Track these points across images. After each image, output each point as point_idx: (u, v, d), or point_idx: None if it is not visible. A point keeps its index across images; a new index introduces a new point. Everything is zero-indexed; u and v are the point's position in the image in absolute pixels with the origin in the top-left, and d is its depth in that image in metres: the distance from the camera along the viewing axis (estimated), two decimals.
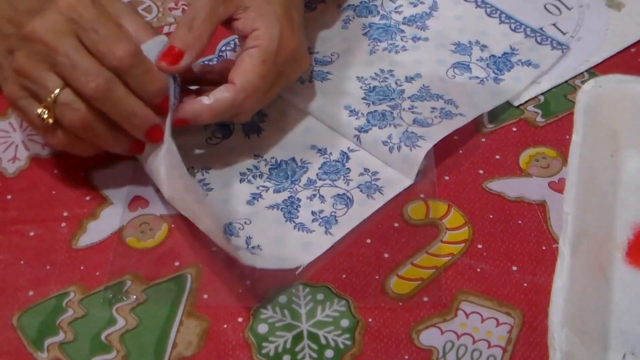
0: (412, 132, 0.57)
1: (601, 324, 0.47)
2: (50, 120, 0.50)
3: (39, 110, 0.50)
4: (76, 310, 0.50)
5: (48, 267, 0.52)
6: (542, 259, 0.52)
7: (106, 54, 0.49)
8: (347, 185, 0.56)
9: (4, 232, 0.54)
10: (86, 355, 0.48)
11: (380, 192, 0.55)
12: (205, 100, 0.53)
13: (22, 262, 0.52)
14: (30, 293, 0.51)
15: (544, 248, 0.52)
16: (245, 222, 0.53)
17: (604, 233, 0.51)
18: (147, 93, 0.51)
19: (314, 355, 0.48)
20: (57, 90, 0.49)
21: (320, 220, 0.54)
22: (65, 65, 0.49)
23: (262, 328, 0.49)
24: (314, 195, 0.55)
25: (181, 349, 0.48)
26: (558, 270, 0.47)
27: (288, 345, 0.48)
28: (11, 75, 0.51)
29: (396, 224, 0.54)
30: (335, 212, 0.54)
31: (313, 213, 0.54)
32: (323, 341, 0.48)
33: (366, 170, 0.56)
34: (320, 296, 0.50)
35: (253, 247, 0.52)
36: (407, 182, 0.55)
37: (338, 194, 0.55)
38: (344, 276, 0.51)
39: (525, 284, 0.51)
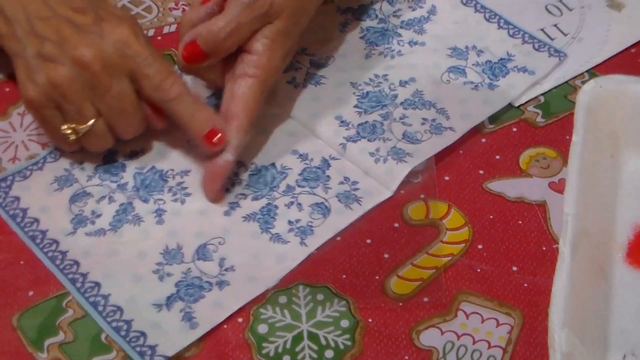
0: (400, 149, 0.56)
1: (601, 324, 0.47)
2: (73, 137, 0.52)
3: (64, 127, 0.52)
4: (76, 310, 0.50)
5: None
6: (542, 259, 0.52)
7: (159, 89, 0.51)
8: (326, 193, 0.55)
9: (4, 232, 0.54)
10: (86, 356, 0.48)
11: (359, 203, 0.54)
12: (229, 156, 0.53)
13: (22, 262, 0.52)
14: (30, 293, 0.51)
15: (544, 248, 0.52)
16: (219, 243, 0.52)
17: (604, 233, 0.51)
18: (195, 121, 0.53)
19: (314, 355, 0.48)
20: (92, 121, 0.51)
21: (296, 230, 0.53)
22: (113, 108, 0.51)
23: (262, 328, 0.49)
24: (292, 203, 0.54)
25: (181, 350, 0.48)
26: (558, 271, 0.47)
27: (288, 346, 0.48)
28: (44, 83, 0.51)
29: (396, 224, 0.54)
30: (311, 222, 0.53)
31: (290, 222, 0.53)
32: (323, 341, 0.48)
33: (346, 179, 0.56)
34: (320, 296, 0.50)
35: (226, 269, 0.51)
36: (387, 193, 0.55)
37: (316, 203, 0.54)
38: (344, 276, 0.51)
39: (526, 285, 0.51)
